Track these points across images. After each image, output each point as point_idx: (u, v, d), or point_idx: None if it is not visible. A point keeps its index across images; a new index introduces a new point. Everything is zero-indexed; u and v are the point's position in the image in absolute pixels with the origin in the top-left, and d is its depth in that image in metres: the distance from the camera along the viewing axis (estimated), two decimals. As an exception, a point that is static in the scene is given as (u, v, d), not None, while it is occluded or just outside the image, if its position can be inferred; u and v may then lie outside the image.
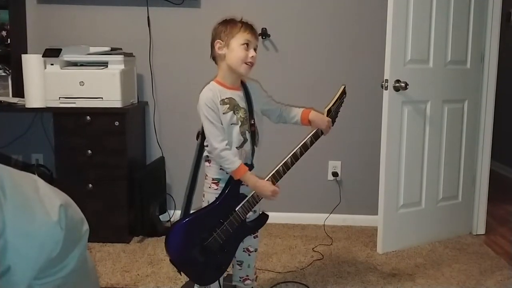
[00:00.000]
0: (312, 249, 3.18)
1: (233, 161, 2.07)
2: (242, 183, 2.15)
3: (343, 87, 2.36)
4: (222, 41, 2.12)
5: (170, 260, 2.18)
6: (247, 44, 2.11)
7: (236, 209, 2.14)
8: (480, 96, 3.39)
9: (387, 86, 2.99)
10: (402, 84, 2.98)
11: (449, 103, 3.27)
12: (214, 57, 2.19)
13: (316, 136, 2.27)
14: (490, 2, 3.30)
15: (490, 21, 3.32)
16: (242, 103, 2.16)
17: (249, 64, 2.13)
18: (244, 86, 2.22)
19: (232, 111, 2.12)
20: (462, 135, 3.37)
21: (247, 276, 2.37)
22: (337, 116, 2.37)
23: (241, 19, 2.18)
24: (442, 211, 3.35)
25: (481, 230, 3.49)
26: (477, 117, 3.41)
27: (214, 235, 2.13)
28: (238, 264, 2.35)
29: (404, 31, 3.02)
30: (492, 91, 3.38)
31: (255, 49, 2.14)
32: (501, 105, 3.71)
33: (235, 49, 2.10)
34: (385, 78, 2.99)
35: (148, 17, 3.50)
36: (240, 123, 2.13)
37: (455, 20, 3.18)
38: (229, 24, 2.13)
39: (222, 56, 2.13)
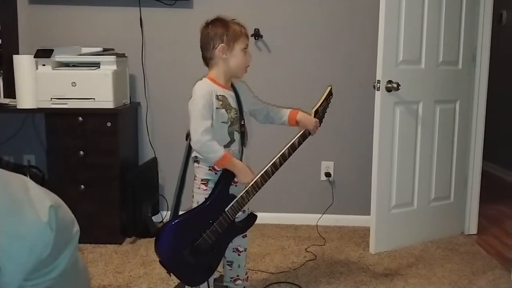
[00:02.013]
0: (305, 249, 3.19)
1: (218, 149, 2.07)
2: (232, 183, 2.17)
3: (329, 87, 2.39)
4: (226, 45, 2.11)
5: (160, 261, 2.18)
6: (245, 48, 2.14)
7: (226, 209, 2.15)
8: (472, 96, 3.40)
9: (379, 86, 3.00)
10: (394, 85, 2.99)
11: (441, 103, 3.28)
12: (209, 58, 2.17)
13: (303, 137, 2.29)
14: (481, 3, 3.31)
15: (482, 22, 3.33)
16: (234, 103, 2.18)
17: (247, 67, 2.16)
18: (233, 87, 2.22)
19: (224, 109, 2.13)
20: (454, 135, 3.38)
21: (238, 276, 2.38)
22: (324, 117, 2.39)
23: (233, 19, 2.18)
24: (434, 211, 3.36)
25: (473, 230, 3.51)
26: (469, 117, 3.42)
27: (204, 236, 2.13)
28: (228, 264, 2.35)
29: (396, 32, 3.03)
30: (483, 91, 3.39)
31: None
32: (493, 105, 3.73)
33: (238, 54, 2.13)
34: (377, 78, 3.00)
35: (140, 17, 3.49)
36: (230, 122, 2.14)
37: (447, 21, 3.19)
38: (229, 27, 2.12)
39: (224, 59, 2.13)
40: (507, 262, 2.97)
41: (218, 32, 2.12)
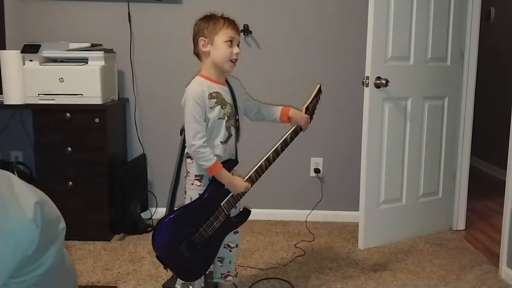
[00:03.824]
0: (294, 245, 3.19)
1: (210, 159, 2.08)
2: None
3: (318, 85, 2.44)
4: (206, 38, 2.11)
5: (156, 256, 2.17)
6: (230, 41, 2.12)
7: (222, 203, 2.16)
8: (460, 92, 3.42)
9: (368, 83, 3.00)
10: (383, 81, 3.00)
11: (429, 99, 3.29)
12: (197, 53, 2.18)
13: (295, 133, 2.32)
14: (469, 0, 3.32)
15: (470, 19, 3.34)
16: (228, 98, 2.18)
17: (234, 61, 2.14)
18: (227, 82, 2.23)
19: (219, 106, 2.12)
20: (443, 131, 3.39)
21: (228, 272, 2.38)
22: (314, 113, 2.43)
23: (222, 14, 2.18)
24: (422, 207, 3.38)
25: (461, 226, 3.53)
26: (457, 113, 3.44)
27: (200, 230, 2.13)
28: (219, 260, 2.35)
29: (385, 28, 3.03)
30: (472, 88, 3.41)
31: (238, 45, 2.16)
32: (481, 101, 3.75)
33: (220, 46, 2.11)
34: (366, 75, 3.01)
35: (129, 13, 3.47)
36: (226, 118, 2.15)
37: (435, 17, 3.20)
38: (211, 20, 2.13)
39: (207, 53, 2.13)
40: (494, 257, 2.99)
41: (200, 26, 2.14)
